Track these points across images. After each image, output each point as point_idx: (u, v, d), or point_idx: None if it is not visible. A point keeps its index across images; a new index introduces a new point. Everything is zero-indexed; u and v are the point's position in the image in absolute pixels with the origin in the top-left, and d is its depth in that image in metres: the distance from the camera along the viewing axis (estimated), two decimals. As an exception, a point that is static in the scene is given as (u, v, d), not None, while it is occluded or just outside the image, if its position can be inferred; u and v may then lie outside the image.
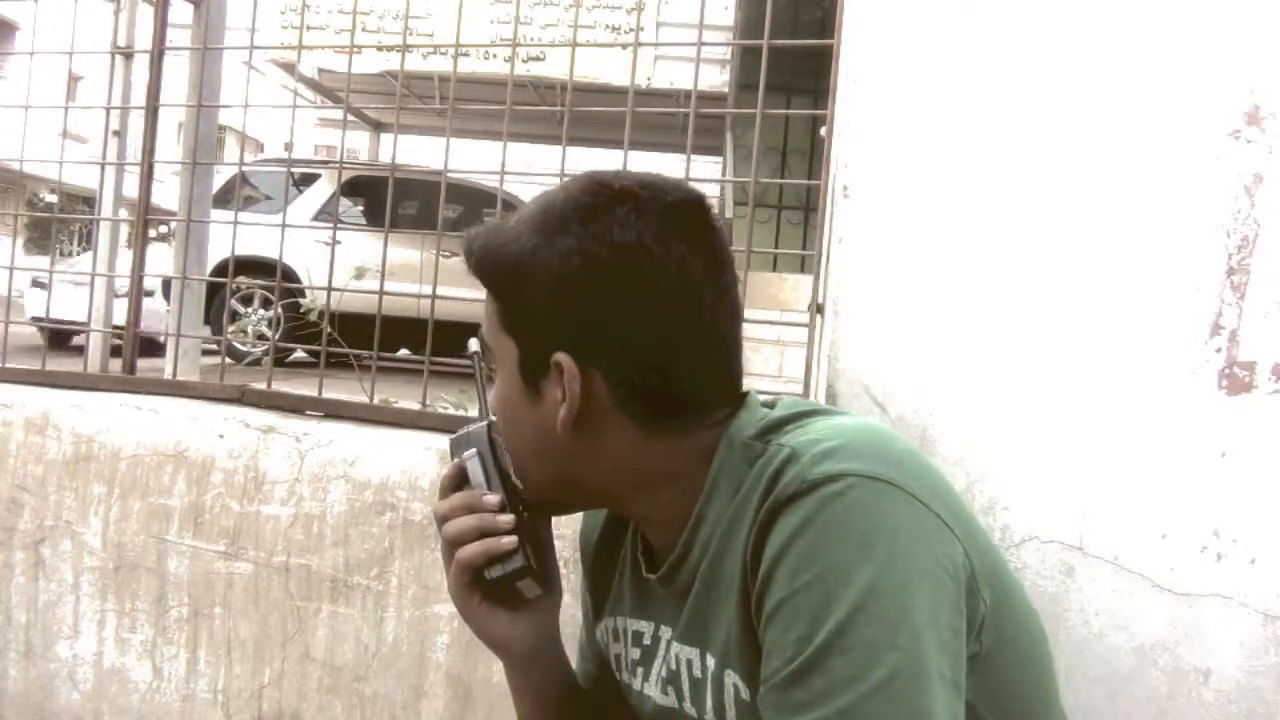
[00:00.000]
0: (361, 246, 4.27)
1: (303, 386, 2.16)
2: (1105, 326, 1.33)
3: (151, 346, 3.01)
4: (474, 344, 0.94)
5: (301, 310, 2.60)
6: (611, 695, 0.96)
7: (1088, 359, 1.33)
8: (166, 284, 4.37)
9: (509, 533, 0.86)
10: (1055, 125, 1.35)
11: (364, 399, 2.01)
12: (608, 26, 7.73)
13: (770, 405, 0.86)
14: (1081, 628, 1.32)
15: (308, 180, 7.15)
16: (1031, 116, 1.36)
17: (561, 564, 0.98)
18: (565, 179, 0.86)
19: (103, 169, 2.44)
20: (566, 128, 2.00)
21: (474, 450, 0.89)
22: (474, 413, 0.94)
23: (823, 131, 1.59)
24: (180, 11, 2.47)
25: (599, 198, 0.79)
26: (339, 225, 5.10)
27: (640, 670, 0.91)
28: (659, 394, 0.80)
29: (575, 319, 0.79)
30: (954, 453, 1.37)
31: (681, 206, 0.80)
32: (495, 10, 7.29)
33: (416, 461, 1.81)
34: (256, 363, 5.59)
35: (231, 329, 5.48)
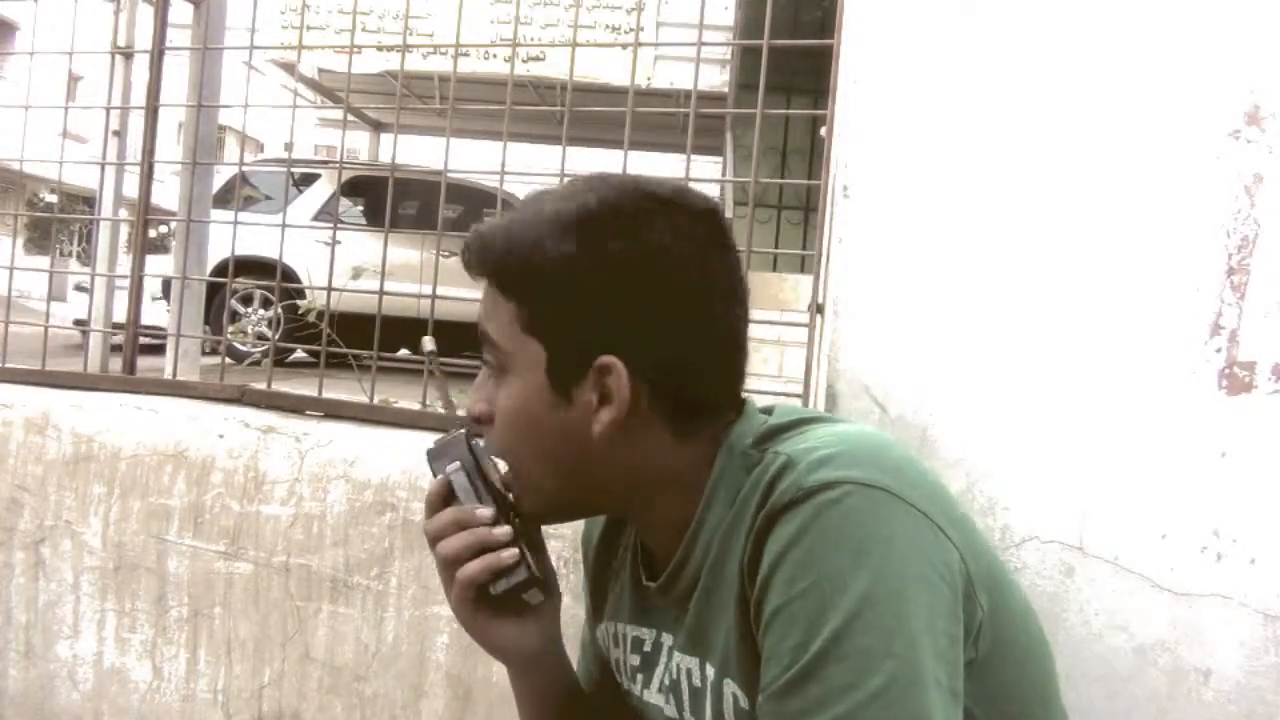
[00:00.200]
0: (361, 246, 4.27)
1: (303, 386, 2.16)
2: (1105, 326, 1.33)
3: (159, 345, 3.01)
4: (429, 343, 0.92)
5: (301, 310, 2.60)
6: (612, 698, 0.96)
7: (1088, 359, 1.33)
8: (166, 284, 4.37)
9: (507, 544, 0.84)
10: (1055, 125, 1.35)
11: (364, 399, 2.01)
12: (608, 26, 7.73)
13: (767, 412, 0.86)
14: (1081, 628, 1.32)
15: (308, 180, 7.15)
16: (1032, 116, 1.36)
17: (561, 564, 0.98)
18: (579, 180, 0.85)
19: (103, 169, 2.43)
20: (566, 128, 2.00)
21: (456, 463, 0.86)
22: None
23: (823, 131, 1.59)
24: (180, 11, 2.47)
25: (640, 203, 0.80)
26: (339, 225, 5.10)
27: (641, 677, 0.91)
28: (685, 395, 0.81)
29: (619, 321, 0.79)
30: (954, 453, 1.37)
31: (708, 216, 0.83)
32: (495, 10, 7.29)
33: (416, 461, 1.80)
34: (256, 363, 5.59)
35: (231, 329, 5.48)
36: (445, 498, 0.86)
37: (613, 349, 0.78)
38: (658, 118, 7.02)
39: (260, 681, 1.91)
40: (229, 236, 2.20)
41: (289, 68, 8.34)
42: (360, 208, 7.52)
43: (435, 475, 0.87)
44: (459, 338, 1.95)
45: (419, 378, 1.99)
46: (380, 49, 6.99)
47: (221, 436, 1.95)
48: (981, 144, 1.38)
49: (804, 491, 0.71)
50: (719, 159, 9.06)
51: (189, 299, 2.50)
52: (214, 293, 4.88)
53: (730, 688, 0.79)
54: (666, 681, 0.86)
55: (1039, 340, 1.35)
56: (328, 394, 2.01)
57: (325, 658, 1.86)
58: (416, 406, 1.96)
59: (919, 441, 1.38)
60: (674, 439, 0.82)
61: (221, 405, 2.03)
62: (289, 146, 4.05)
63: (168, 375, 2.33)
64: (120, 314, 2.37)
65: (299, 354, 5.95)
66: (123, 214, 2.53)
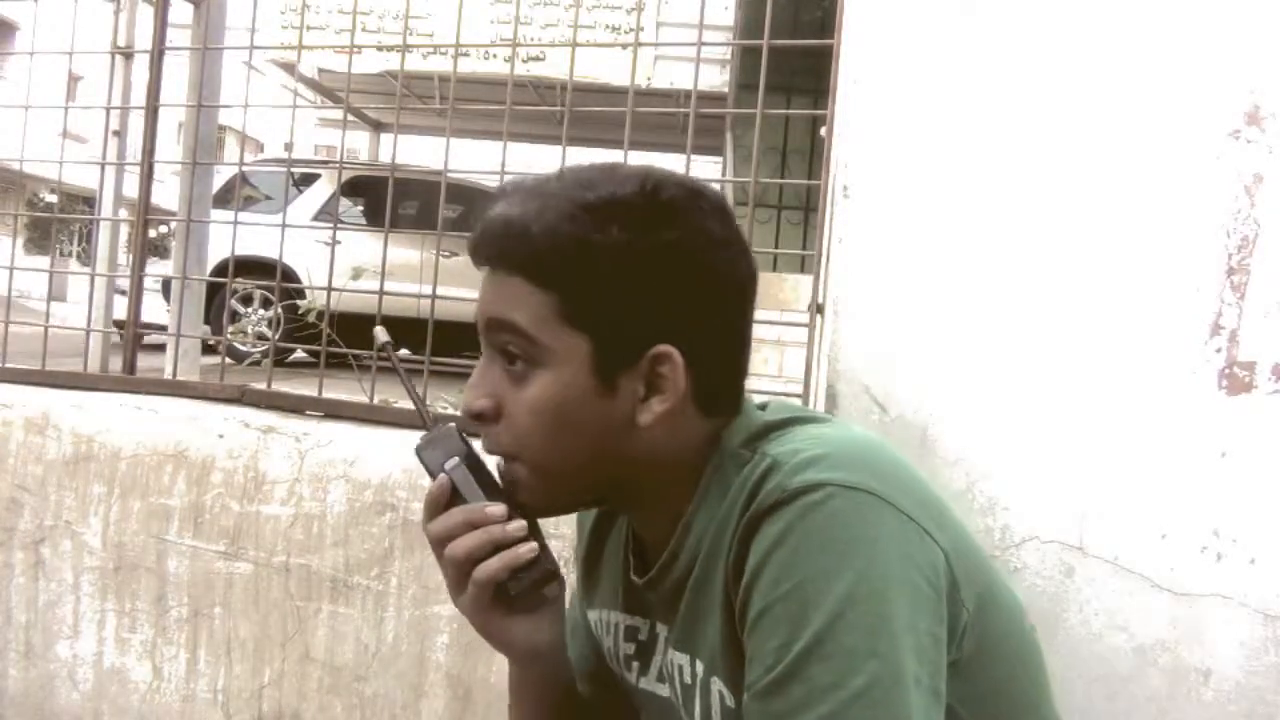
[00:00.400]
0: (361, 246, 4.27)
1: (303, 386, 2.16)
2: (1105, 326, 1.33)
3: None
4: (381, 334, 0.90)
5: (300, 310, 2.60)
6: (605, 686, 0.96)
7: (1088, 359, 1.33)
8: (166, 284, 4.37)
9: (522, 540, 0.83)
10: (1055, 125, 1.35)
11: (364, 399, 2.01)
12: (608, 26, 7.73)
13: (762, 408, 0.87)
14: (1081, 628, 1.32)
15: (308, 180, 7.14)
16: (1032, 116, 1.36)
17: (561, 564, 0.98)
18: (584, 169, 0.83)
19: (103, 169, 2.44)
20: (566, 128, 2.01)
21: (455, 459, 0.84)
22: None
23: (823, 131, 1.59)
24: (180, 11, 2.47)
25: (680, 192, 0.80)
26: (339, 225, 5.10)
27: (637, 665, 0.91)
28: (716, 386, 0.82)
29: (673, 310, 0.79)
30: (954, 453, 1.37)
31: (729, 209, 0.84)
32: (495, 10, 7.29)
33: (417, 461, 1.81)
34: (256, 363, 5.59)
35: (231, 329, 5.48)
36: (450, 496, 0.85)
37: (666, 337, 0.78)
38: (658, 118, 7.02)
39: (260, 681, 1.91)
40: (229, 236, 2.20)
41: (289, 68, 8.34)
42: (360, 208, 7.52)
43: (431, 473, 0.85)
44: (459, 338, 1.95)
45: (419, 378, 1.99)
46: (380, 49, 6.99)
47: (221, 436, 1.95)
48: (981, 144, 1.38)
49: (789, 493, 0.71)
50: (719, 159, 9.06)
51: (189, 299, 2.50)
52: (214, 293, 4.88)
53: (717, 685, 0.79)
54: (666, 672, 0.87)
55: (1039, 340, 1.35)
56: (328, 394, 2.01)
57: (325, 658, 1.86)
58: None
59: (919, 441, 1.38)
60: (705, 427, 0.82)
61: (221, 405, 2.03)
62: (289, 146, 4.05)
63: (168, 375, 2.33)
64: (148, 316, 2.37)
65: (299, 354, 5.95)
66: (123, 214, 2.53)
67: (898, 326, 1.40)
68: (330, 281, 2.31)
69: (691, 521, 0.81)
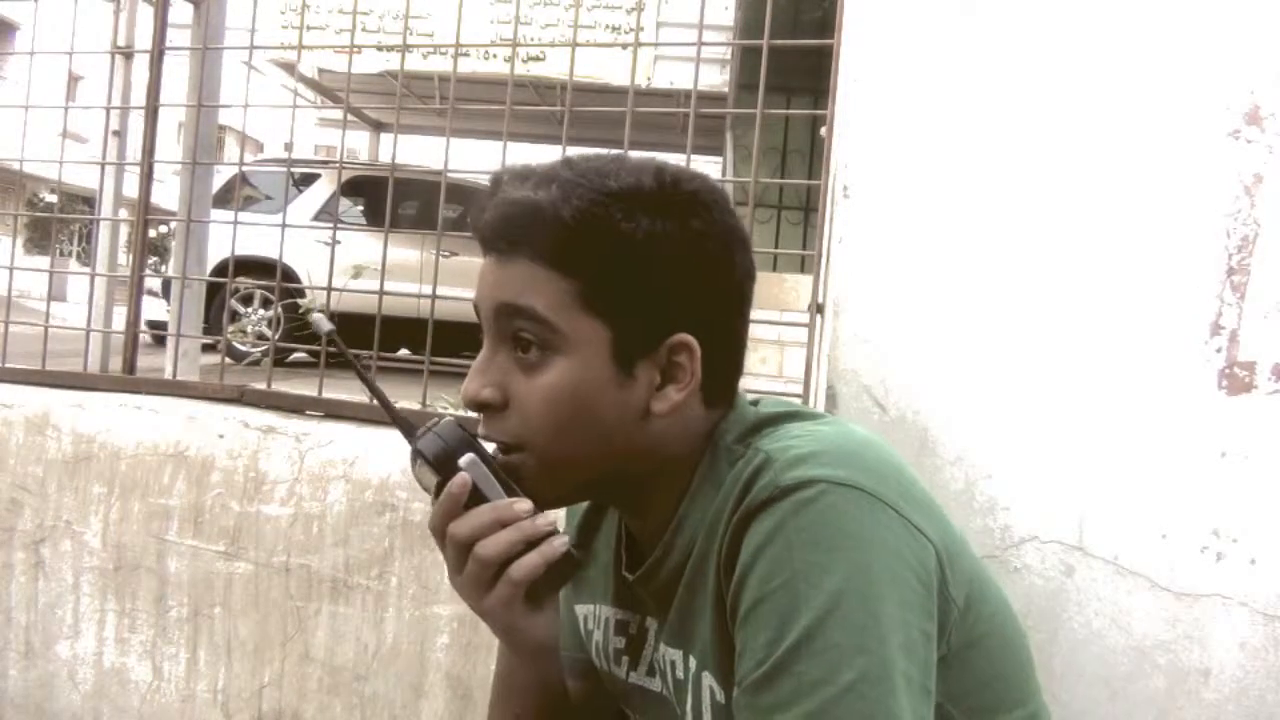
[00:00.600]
0: (361, 246, 4.27)
1: (303, 386, 2.16)
2: (1105, 326, 1.33)
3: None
4: (324, 323, 0.88)
5: (300, 310, 2.60)
6: (590, 684, 0.96)
7: (1088, 359, 1.33)
8: (166, 284, 4.37)
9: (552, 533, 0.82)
10: (1055, 125, 1.35)
11: (364, 399, 2.01)
12: (608, 26, 7.73)
13: (755, 404, 0.87)
14: (1081, 628, 1.32)
15: (308, 180, 7.15)
16: (1032, 116, 1.36)
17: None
18: (597, 158, 0.82)
19: (103, 169, 2.44)
20: (566, 128, 2.00)
21: (470, 455, 0.81)
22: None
23: (823, 131, 1.59)
24: (180, 11, 2.47)
25: (700, 185, 0.81)
26: (339, 225, 5.10)
27: (626, 660, 0.91)
28: (724, 376, 0.83)
29: (695, 298, 0.80)
30: (954, 453, 1.37)
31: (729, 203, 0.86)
32: (495, 10, 7.29)
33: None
34: (256, 363, 5.59)
35: (231, 329, 5.48)
36: (468, 495, 0.82)
37: (684, 326, 0.79)
38: (658, 118, 7.02)
39: (260, 681, 1.91)
40: (229, 236, 2.20)
41: (289, 68, 8.34)
42: (360, 208, 7.53)
43: (436, 469, 0.82)
44: (460, 338, 1.95)
45: (419, 378, 1.99)
46: (380, 49, 6.99)
47: (221, 436, 1.95)
48: (981, 144, 1.38)
49: (780, 490, 0.72)
50: (719, 159, 9.06)
51: (189, 299, 2.50)
52: (214, 293, 4.88)
53: (708, 681, 0.79)
54: (657, 667, 0.87)
55: (1039, 340, 1.35)
56: (328, 394, 2.01)
57: (325, 658, 1.86)
58: (417, 406, 1.96)
59: (919, 441, 1.38)
60: (703, 423, 0.83)
61: (221, 405, 2.03)
62: (289, 146, 4.04)
63: (168, 375, 2.33)
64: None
65: (299, 354, 5.95)
66: (123, 214, 2.53)
67: (898, 327, 1.40)
68: (330, 281, 2.30)
69: (685, 517, 0.82)
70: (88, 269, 2.50)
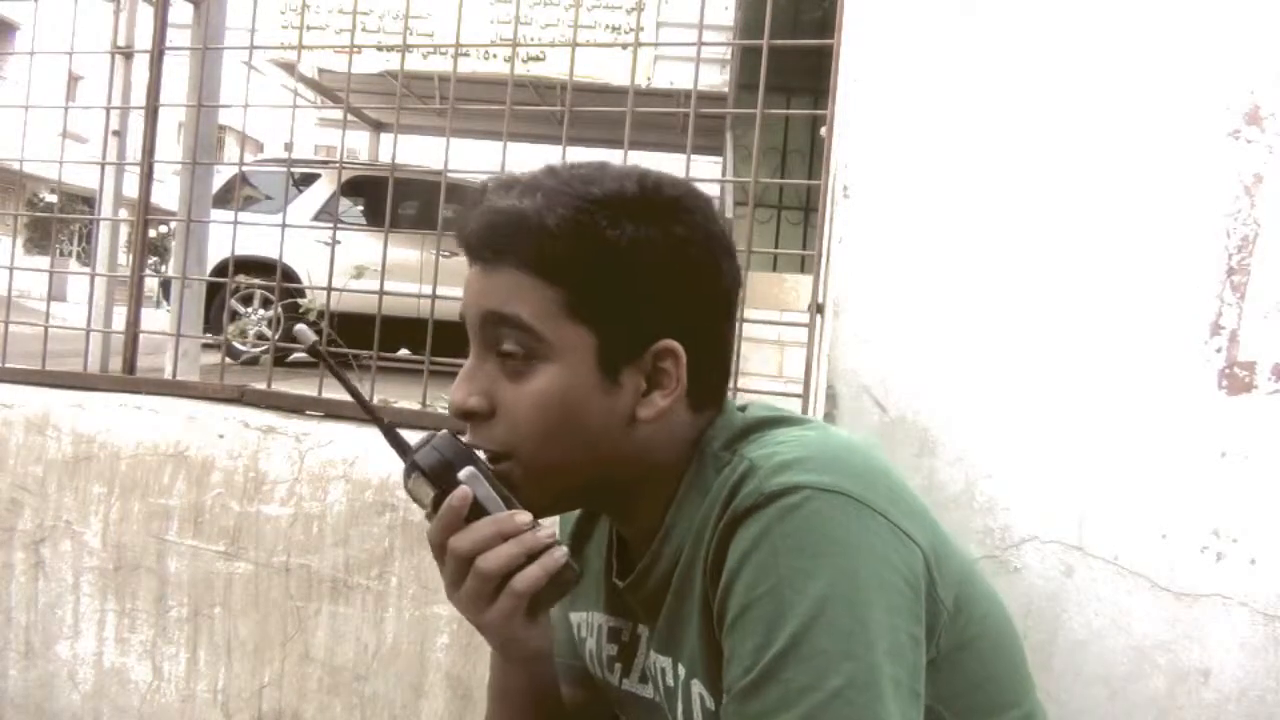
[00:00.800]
0: (361, 246, 4.27)
1: (302, 386, 2.16)
2: (1105, 326, 1.33)
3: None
4: (308, 334, 0.87)
5: (300, 310, 2.60)
6: (585, 690, 0.96)
7: (1088, 359, 1.33)
8: (166, 284, 4.37)
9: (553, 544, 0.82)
10: (1055, 125, 1.35)
11: (364, 399, 2.01)
12: (608, 26, 7.72)
13: (742, 409, 0.87)
14: (1081, 628, 1.32)
15: (308, 180, 7.15)
16: (1032, 116, 1.36)
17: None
18: (580, 166, 0.82)
19: (103, 169, 2.44)
20: (566, 128, 2.01)
21: (470, 469, 0.81)
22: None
23: (823, 131, 1.59)
24: (180, 11, 2.47)
25: (683, 191, 0.81)
26: (339, 225, 5.10)
27: (619, 667, 0.91)
28: (709, 382, 0.83)
29: (680, 305, 0.80)
30: (954, 453, 1.37)
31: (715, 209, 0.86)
32: (495, 10, 7.28)
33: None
34: (254, 361, 5.59)
35: (231, 329, 5.48)
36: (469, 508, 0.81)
37: (669, 332, 0.79)
38: (658, 118, 7.01)
39: (260, 681, 1.91)
40: (229, 236, 2.20)
41: (289, 68, 8.33)
42: (360, 208, 7.53)
43: (434, 483, 0.81)
44: (460, 338, 1.95)
45: (419, 378, 1.99)
46: (380, 49, 6.99)
47: (221, 436, 1.95)
48: (981, 144, 1.38)
49: (765, 496, 0.72)
50: (719, 159, 9.05)
51: (189, 299, 2.50)
52: (214, 293, 4.88)
53: (697, 688, 0.79)
54: (649, 674, 0.87)
55: (1039, 340, 1.35)
56: (328, 394, 2.01)
57: (325, 658, 1.86)
58: (416, 406, 1.96)
59: (919, 442, 1.38)
60: (690, 429, 0.83)
61: (221, 405, 2.03)
62: (289, 146, 4.04)
63: (168, 375, 2.33)
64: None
65: (299, 354, 5.95)
66: (123, 214, 2.53)
67: (898, 326, 1.40)
68: (330, 281, 2.30)
69: (672, 524, 0.82)
70: (88, 269, 2.50)
